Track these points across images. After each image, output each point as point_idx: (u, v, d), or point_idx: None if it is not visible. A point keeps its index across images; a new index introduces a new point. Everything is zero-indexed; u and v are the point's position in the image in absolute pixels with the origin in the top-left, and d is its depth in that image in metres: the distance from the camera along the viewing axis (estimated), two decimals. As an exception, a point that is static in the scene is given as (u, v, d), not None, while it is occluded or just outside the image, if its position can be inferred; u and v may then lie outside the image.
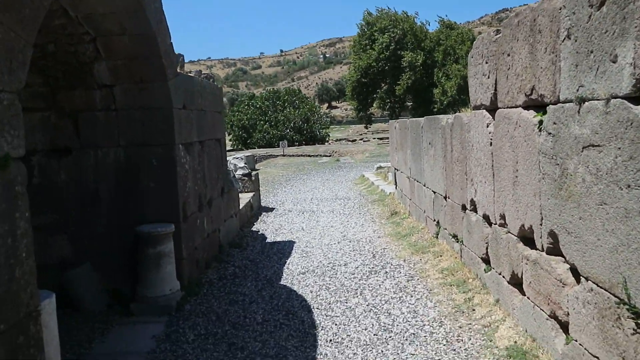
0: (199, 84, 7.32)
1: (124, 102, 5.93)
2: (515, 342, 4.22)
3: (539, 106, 3.98)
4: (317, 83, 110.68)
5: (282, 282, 6.69)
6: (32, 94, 5.84)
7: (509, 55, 4.47)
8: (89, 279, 5.96)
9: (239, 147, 41.41)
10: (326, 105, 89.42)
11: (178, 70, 6.71)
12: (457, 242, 6.64)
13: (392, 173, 13.82)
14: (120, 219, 6.08)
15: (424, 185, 8.80)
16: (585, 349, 3.30)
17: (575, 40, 3.23)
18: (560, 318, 3.67)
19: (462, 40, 37.94)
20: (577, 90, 3.23)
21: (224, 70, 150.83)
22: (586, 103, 3.13)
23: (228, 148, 37.32)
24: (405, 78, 37.53)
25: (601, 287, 3.06)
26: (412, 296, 5.79)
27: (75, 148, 6.03)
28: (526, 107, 4.19)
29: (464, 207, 6.30)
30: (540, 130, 3.86)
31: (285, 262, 7.70)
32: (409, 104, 39.56)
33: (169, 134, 6.05)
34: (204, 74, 8.34)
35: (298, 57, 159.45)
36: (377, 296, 5.90)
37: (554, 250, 3.76)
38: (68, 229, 6.10)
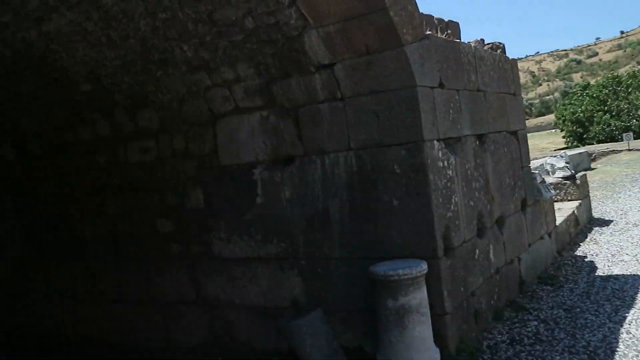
0: (469, 53, 5.09)
1: (350, 87, 4.20)
2: None
3: None
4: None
5: (615, 362, 3.95)
6: (247, 90, 4.62)
7: None
8: (319, 332, 4.38)
9: (573, 144, 36.10)
10: (688, 86, 72.65)
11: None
12: None
13: None
14: (357, 250, 4.36)
15: None
16: None
17: None
18: None
19: None
20: None
21: (554, 63, 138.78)
22: None
23: (561, 146, 32.89)
24: None
25: None
26: None
27: (298, 155, 4.57)
28: None
29: None
30: None
31: (625, 317, 4.79)
32: None
33: (413, 127, 4.05)
34: (489, 43, 6.04)
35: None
36: None
37: None
38: (298, 262, 4.68)
